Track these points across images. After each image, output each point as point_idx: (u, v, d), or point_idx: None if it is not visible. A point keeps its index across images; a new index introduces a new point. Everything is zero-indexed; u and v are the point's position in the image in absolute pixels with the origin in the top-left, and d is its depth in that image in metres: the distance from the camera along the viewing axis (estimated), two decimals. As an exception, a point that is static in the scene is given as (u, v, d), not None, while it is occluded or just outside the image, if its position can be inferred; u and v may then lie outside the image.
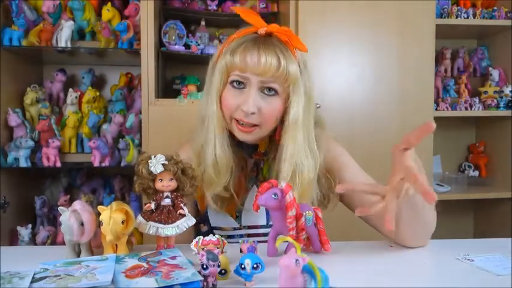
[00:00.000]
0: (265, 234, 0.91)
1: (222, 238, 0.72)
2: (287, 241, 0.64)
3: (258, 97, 0.86)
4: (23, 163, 1.69)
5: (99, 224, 0.71)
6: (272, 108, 0.87)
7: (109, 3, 1.79)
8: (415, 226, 0.81)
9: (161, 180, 0.76)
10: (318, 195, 0.93)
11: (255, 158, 0.97)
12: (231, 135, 0.91)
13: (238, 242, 0.75)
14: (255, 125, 0.87)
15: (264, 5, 1.99)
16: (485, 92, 2.13)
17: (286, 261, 0.54)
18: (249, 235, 0.95)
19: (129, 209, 0.73)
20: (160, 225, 0.75)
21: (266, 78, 0.85)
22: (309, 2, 1.78)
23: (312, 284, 0.54)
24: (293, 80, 0.86)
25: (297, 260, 0.54)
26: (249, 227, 0.95)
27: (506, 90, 2.08)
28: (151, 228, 0.75)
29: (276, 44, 0.85)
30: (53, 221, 1.89)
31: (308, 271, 0.56)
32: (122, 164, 1.79)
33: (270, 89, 0.86)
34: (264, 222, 0.95)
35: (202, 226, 0.98)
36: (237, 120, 0.87)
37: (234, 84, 0.87)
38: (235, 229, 0.96)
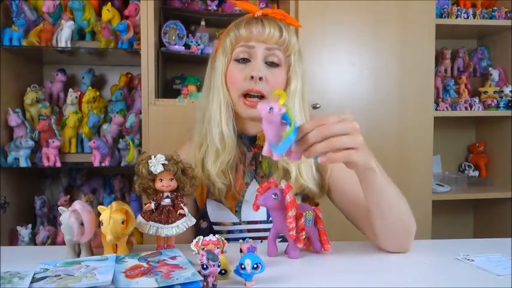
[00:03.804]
0: (265, 230, 0.92)
1: (222, 238, 0.72)
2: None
3: (263, 67, 0.91)
4: (23, 163, 1.69)
5: (99, 224, 0.71)
6: (277, 79, 0.92)
7: (109, 3, 1.79)
8: (389, 223, 0.78)
9: (161, 180, 0.76)
10: (315, 176, 0.94)
11: (254, 151, 0.98)
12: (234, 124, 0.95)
13: (238, 238, 0.75)
14: (262, 97, 0.91)
15: (264, 5, 1.99)
16: (485, 92, 2.13)
17: (260, 106, 0.59)
18: (248, 230, 0.95)
19: (129, 209, 0.73)
20: (160, 225, 0.75)
21: (271, 45, 0.91)
22: (309, 2, 1.78)
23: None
24: (294, 49, 0.94)
25: (271, 108, 0.58)
26: (249, 222, 0.95)
27: (506, 90, 2.08)
28: (151, 228, 0.75)
29: (276, 19, 0.93)
30: (53, 221, 1.89)
31: (287, 119, 0.61)
32: (122, 164, 1.79)
33: (272, 62, 0.92)
34: (264, 218, 0.95)
35: (202, 222, 0.98)
36: (244, 96, 0.91)
37: (239, 60, 0.92)
38: (234, 224, 0.95)
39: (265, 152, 0.66)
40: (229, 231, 0.95)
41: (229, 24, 0.96)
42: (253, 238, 0.79)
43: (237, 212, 0.96)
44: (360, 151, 0.67)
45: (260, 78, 0.89)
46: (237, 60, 0.93)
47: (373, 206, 0.78)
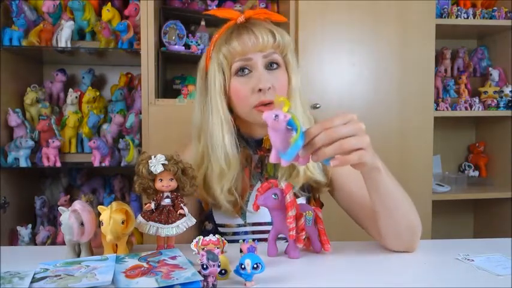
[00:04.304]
0: None
1: (222, 238, 0.72)
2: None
3: (267, 74, 0.89)
4: (23, 163, 1.69)
5: (99, 224, 0.71)
6: (281, 81, 0.91)
7: (109, 3, 1.79)
8: (395, 222, 0.78)
9: (161, 180, 0.76)
10: (321, 166, 0.94)
11: (260, 154, 0.97)
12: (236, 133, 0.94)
13: (243, 240, 0.75)
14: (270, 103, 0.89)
15: (264, 5, 1.99)
16: (485, 92, 2.13)
17: (266, 114, 0.58)
18: (253, 232, 0.95)
19: (129, 209, 0.73)
20: (160, 225, 0.75)
21: (267, 52, 0.89)
22: (309, 2, 1.78)
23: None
24: (289, 47, 0.92)
25: (276, 115, 0.58)
26: (254, 224, 0.95)
27: (506, 90, 2.08)
28: (151, 228, 0.75)
29: (261, 22, 0.91)
30: (53, 221, 1.89)
31: (292, 125, 0.61)
32: (122, 164, 1.79)
33: (272, 63, 0.90)
34: (269, 219, 0.94)
35: (207, 224, 0.98)
36: (256, 105, 0.89)
37: (239, 73, 0.90)
38: (240, 226, 0.95)
39: (273, 159, 0.65)
40: (234, 233, 0.95)
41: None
42: (258, 240, 0.79)
43: (242, 214, 0.95)
44: (368, 151, 0.68)
45: (268, 88, 0.88)
46: (238, 74, 0.90)
47: (378, 205, 0.78)
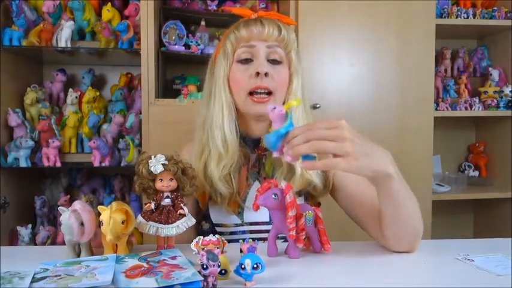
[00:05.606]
0: (268, 231, 0.92)
1: (222, 238, 0.72)
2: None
3: (267, 64, 0.92)
4: (23, 163, 1.69)
5: (99, 224, 0.71)
6: (281, 76, 0.94)
7: (109, 3, 1.79)
8: (402, 225, 0.78)
9: (161, 180, 0.76)
10: (319, 172, 0.95)
11: (257, 153, 0.98)
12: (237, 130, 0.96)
13: (240, 239, 0.75)
14: (269, 93, 0.91)
15: (264, 5, 1.99)
16: (485, 92, 2.13)
17: (268, 105, 0.70)
18: (251, 231, 0.95)
19: (129, 209, 0.73)
20: (160, 225, 0.75)
21: (271, 43, 0.92)
22: (309, 2, 1.78)
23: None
24: (293, 46, 0.95)
25: (274, 108, 0.68)
26: (251, 224, 0.95)
27: (506, 90, 2.08)
28: (151, 228, 0.75)
29: (272, 19, 0.94)
30: (53, 221, 1.89)
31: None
32: (122, 164, 1.79)
33: (274, 60, 0.93)
34: (266, 219, 0.95)
35: (204, 224, 0.98)
36: (251, 94, 0.91)
37: (242, 61, 0.93)
38: (237, 225, 0.95)
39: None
40: (231, 233, 0.95)
41: (229, 26, 0.97)
42: (256, 239, 0.79)
43: (240, 214, 0.96)
44: (349, 160, 0.66)
45: (266, 74, 0.90)
46: (240, 62, 0.93)
47: (388, 209, 0.77)
